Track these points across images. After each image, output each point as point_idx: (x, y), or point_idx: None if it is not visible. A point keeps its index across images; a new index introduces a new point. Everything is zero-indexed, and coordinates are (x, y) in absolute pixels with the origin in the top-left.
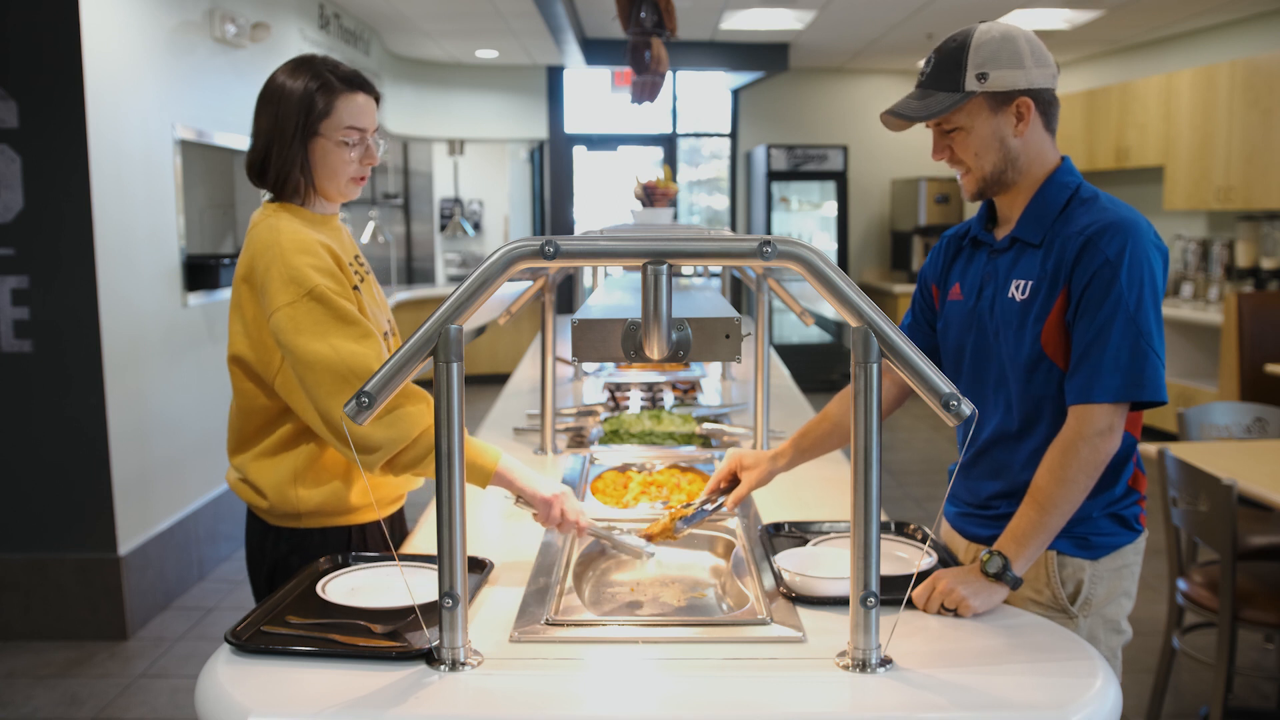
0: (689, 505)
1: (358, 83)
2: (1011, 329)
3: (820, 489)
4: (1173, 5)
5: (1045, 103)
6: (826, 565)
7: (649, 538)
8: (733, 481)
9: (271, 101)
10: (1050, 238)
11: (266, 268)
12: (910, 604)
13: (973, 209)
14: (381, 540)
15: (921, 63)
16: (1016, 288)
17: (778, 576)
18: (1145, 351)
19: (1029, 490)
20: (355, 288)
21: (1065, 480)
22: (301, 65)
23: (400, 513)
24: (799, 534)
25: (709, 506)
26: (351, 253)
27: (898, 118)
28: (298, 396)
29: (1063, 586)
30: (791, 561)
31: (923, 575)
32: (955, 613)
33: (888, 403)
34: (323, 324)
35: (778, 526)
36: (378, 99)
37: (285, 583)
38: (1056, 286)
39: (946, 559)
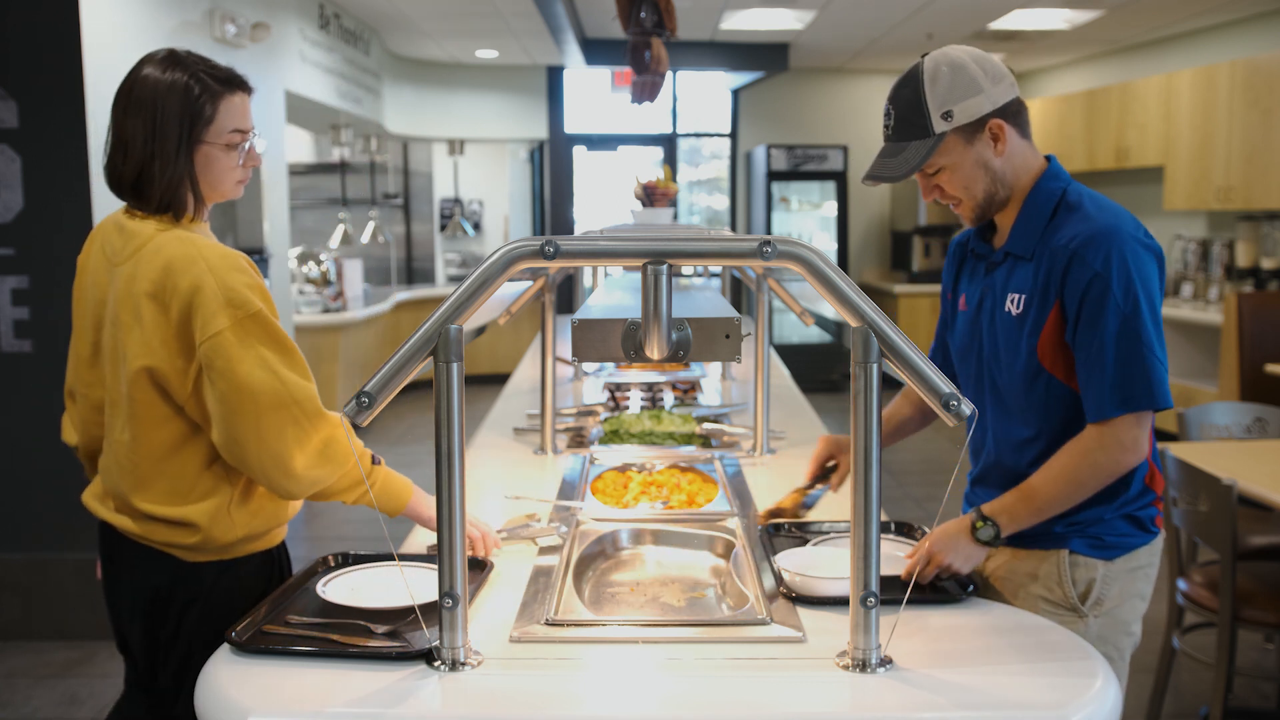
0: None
1: (237, 82)
2: (1009, 342)
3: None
4: (1173, 5)
5: (1014, 114)
6: (826, 565)
7: (779, 512)
8: (826, 469)
9: (144, 108)
10: (1040, 250)
11: (194, 286)
12: (910, 604)
13: None
14: (286, 558)
15: (883, 115)
16: (1012, 301)
17: (778, 576)
18: (1148, 359)
19: (1032, 481)
20: None
21: (1074, 482)
22: (173, 64)
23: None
24: (799, 534)
25: (816, 491)
26: None
27: (880, 181)
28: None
29: (1074, 586)
30: (791, 561)
31: None
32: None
33: (903, 422)
34: (266, 352)
35: (778, 526)
36: (251, 95)
37: (207, 619)
38: (1049, 299)
39: None
